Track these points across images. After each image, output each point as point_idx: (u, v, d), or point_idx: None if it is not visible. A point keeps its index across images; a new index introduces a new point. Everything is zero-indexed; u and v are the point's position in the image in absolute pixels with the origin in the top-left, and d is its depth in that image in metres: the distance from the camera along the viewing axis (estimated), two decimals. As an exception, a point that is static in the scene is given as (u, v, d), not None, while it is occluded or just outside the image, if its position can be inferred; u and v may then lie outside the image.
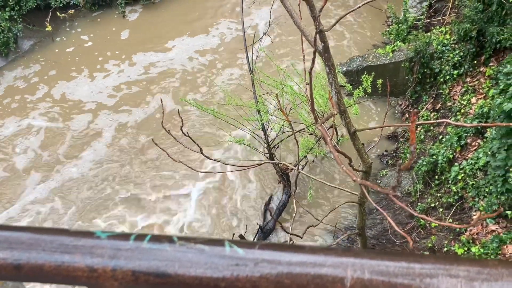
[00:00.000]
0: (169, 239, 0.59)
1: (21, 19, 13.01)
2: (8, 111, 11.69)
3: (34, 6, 13.18)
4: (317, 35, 2.59)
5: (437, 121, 2.59)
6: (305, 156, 8.39)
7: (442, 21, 11.57)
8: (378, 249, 8.02)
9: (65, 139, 10.83)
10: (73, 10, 13.41)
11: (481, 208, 7.61)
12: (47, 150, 10.63)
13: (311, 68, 1.97)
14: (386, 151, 10.04)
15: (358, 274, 0.52)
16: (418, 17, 11.91)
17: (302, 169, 8.75)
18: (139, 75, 12.34)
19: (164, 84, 12.01)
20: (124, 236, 0.60)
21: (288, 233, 4.73)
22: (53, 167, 10.22)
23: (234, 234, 8.97)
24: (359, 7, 2.74)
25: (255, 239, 8.89)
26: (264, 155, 8.93)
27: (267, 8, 11.33)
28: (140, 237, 0.60)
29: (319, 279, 0.52)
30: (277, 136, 8.91)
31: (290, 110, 8.36)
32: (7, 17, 12.60)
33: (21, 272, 0.57)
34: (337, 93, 3.40)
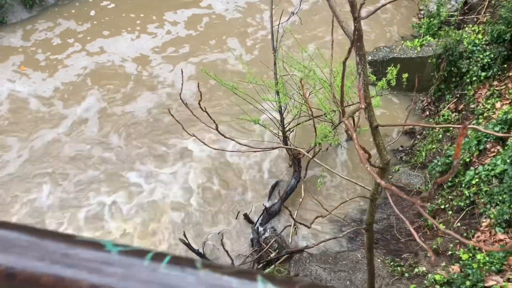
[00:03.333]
0: (191, 264, 0.49)
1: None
2: (46, 63, 11.74)
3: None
4: (353, 23, 2.46)
5: (472, 126, 2.45)
6: (319, 144, 8.27)
7: (476, 20, 11.21)
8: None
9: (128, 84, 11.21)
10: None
11: (491, 216, 7.47)
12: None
13: (346, 58, 1.85)
14: (401, 146, 9.87)
15: None
16: (452, 13, 11.55)
17: (315, 155, 8.65)
18: (185, 32, 12.51)
19: (211, 41, 12.14)
20: (139, 253, 0.50)
21: (296, 221, 4.66)
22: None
23: (238, 212, 8.96)
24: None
25: (259, 219, 8.87)
26: (278, 137, 8.82)
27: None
28: (157, 257, 0.50)
29: None
30: (293, 119, 8.78)
31: (309, 94, 8.21)
32: (35, -31, 12.49)
33: (13, 283, 0.48)
34: (364, 85, 3.26)
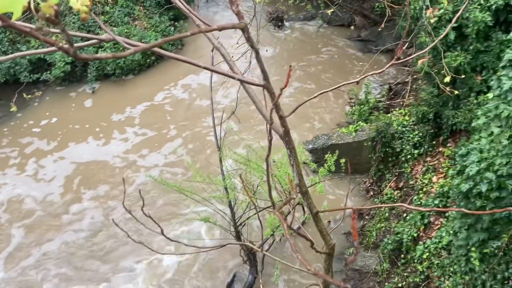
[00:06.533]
0: None
1: (-13, 94, 12.96)
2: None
3: (3, 81, 13.21)
4: (270, 125, 2.68)
5: (393, 204, 2.65)
6: (272, 235, 8.29)
7: (401, 103, 12.18)
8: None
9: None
10: (40, 92, 13.51)
11: (447, 288, 7.59)
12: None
13: (268, 156, 2.01)
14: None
15: None
16: (379, 99, 12.52)
17: (269, 248, 8.62)
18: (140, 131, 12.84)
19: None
20: None
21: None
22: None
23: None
24: (316, 96, 2.87)
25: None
26: (230, 233, 8.77)
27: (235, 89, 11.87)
28: None
29: None
30: (244, 213, 8.82)
31: (257, 187, 8.37)
32: (-26, 91, 12.54)
33: None
34: (298, 175, 3.44)
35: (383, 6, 15.66)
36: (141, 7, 15.56)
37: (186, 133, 12.70)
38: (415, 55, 2.66)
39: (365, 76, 2.50)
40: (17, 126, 13.07)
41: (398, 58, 2.67)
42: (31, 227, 10.40)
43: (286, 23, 17.23)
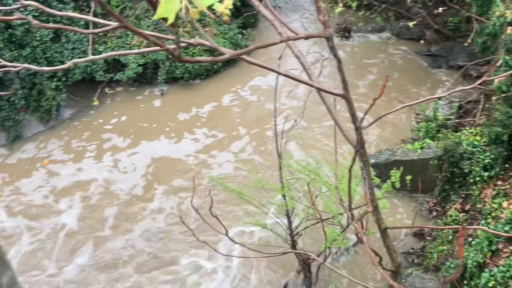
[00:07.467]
0: None
1: (66, 89, 13.78)
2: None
3: (80, 79, 14.02)
4: (358, 136, 2.66)
5: (472, 227, 2.53)
6: (329, 248, 8.17)
7: (472, 122, 11.66)
8: None
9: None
10: (121, 88, 14.17)
11: (513, 321, 7.14)
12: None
13: (351, 166, 2.00)
14: (412, 248, 9.70)
15: None
16: (448, 117, 12.06)
17: (325, 260, 8.50)
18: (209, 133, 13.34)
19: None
20: None
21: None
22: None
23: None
24: (398, 109, 2.82)
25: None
26: (286, 241, 8.74)
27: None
28: None
29: None
30: (300, 223, 8.77)
31: (316, 197, 8.30)
32: (54, 87, 13.38)
33: None
34: (370, 189, 3.39)
35: (456, 21, 15.22)
36: (211, 14, 15.97)
37: (254, 131, 12.99)
38: (505, 74, 2.55)
39: (453, 92, 2.43)
40: (89, 122, 13.79)
41: (489, 76, 2.57)
42: (114, 211, 11.00)
43: (354, 35, 17.09)
